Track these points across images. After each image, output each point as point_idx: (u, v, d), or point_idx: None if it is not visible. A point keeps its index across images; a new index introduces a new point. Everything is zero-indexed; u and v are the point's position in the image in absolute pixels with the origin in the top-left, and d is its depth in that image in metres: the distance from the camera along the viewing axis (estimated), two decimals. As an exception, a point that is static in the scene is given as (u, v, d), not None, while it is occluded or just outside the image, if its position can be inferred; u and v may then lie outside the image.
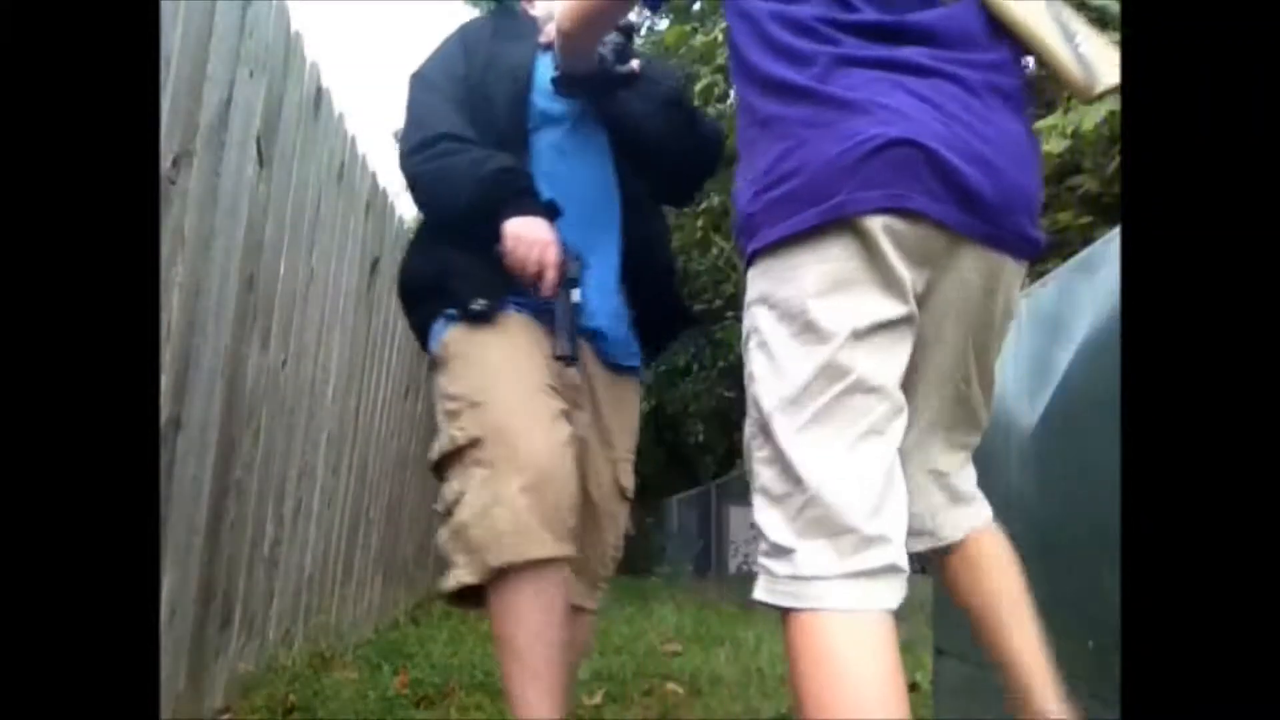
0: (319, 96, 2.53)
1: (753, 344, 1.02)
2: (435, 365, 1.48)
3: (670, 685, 2.79)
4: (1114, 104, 2.52)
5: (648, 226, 1.57)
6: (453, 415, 1.37)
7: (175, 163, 1.64)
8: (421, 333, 1.54)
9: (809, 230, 0.95)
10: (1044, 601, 1.23)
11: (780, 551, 0.94)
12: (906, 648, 3.82)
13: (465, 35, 1.61)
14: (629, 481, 1.60)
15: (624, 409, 1.60)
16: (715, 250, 8.09)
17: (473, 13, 10.79)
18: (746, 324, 1.04)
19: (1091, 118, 2.59)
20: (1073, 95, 1.03)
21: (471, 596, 1.30)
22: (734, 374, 14.46)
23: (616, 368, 1.58)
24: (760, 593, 0.97)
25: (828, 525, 0.92)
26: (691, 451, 17.33)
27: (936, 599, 1.76)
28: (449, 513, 1.33)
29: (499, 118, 1.50)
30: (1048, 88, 4.24)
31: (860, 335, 0.94)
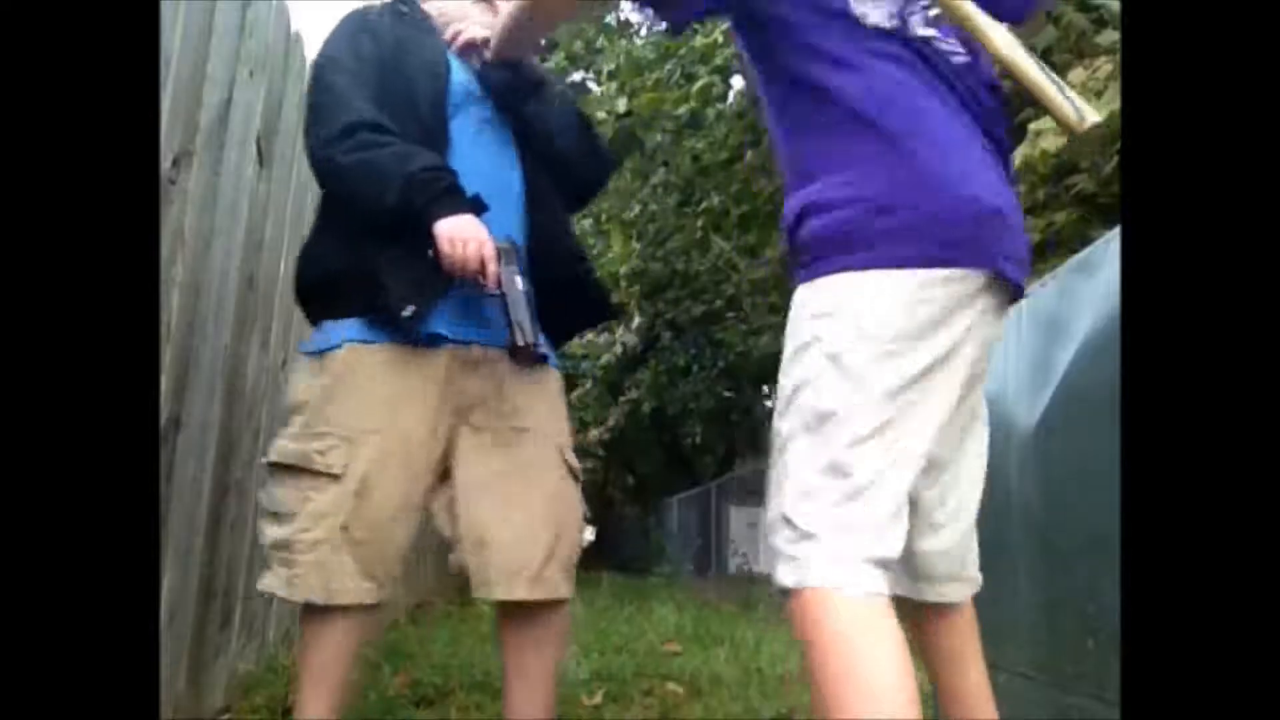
0: (319, 96, 2.52)
1: (820, 351, 1.07)
2: (308, 369, 1.44)
3: (670, 685, 2.79)
4: (1110, 106, 2.53)
5: (551, 219, 1.60)
6: (318, 435, 1.39)
7: (175, 163, 1.64)
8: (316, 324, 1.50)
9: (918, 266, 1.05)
10: (1044, 601, 1.22)
11: (808, 537, 1.02)
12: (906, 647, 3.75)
13: (366, 17, 1.56)
14: (575, 462, 1.61)
15: (548, 396, 1.58)
16: (715, 251, 8.09)
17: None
18: (816, 328, 1.08)
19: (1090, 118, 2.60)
20: (1068, 131, 1.15)
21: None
22: (734, 374, 14.46)
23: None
24: (785, 577, 1.04)
25: (861, 518, 1.02)
26: (691, 451, 17.34)
27: (936, 599, 1.76)
28: (275, 516, 1.39)
29: (419, 109, 1.48)
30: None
31: (932, 371, 1.04)
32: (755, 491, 12.65)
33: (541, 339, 1.45)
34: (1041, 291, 1.33)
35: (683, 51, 4.55)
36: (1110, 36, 3.19)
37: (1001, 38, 1.14)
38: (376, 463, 1.39)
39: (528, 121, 1.57)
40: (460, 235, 1.38)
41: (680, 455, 17.31)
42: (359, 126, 1.41)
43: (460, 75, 1.55)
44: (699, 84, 4.45)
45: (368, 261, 1.41)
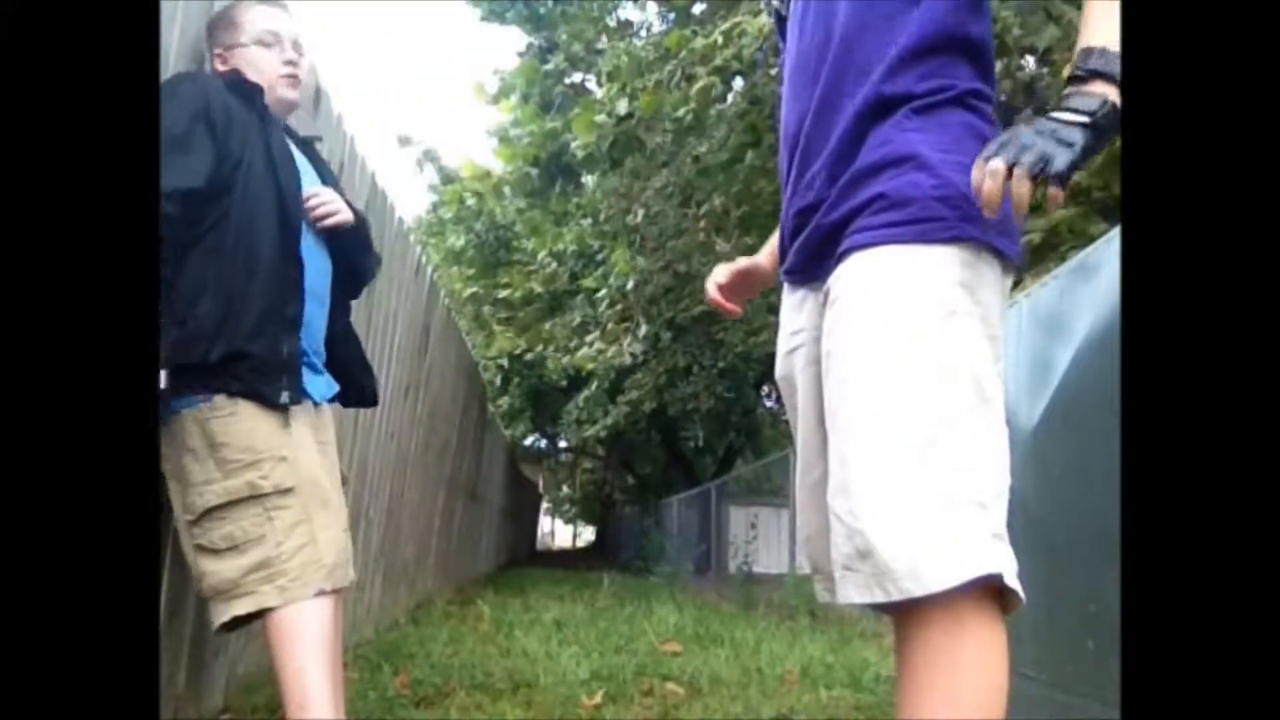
0: (318, 96, 2.52)
1: (977, 329, 1.07)
2: (194, 420, 1.53)
3: (670, 685, 2.79)
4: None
5: (343, 311, 1.88)
6: (249, 465, 1.52)
7: (175, 163, 1.63)
8: (181, 376, 1.53)
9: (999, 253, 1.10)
10: (1044, 601, 1.22)
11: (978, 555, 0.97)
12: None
13: (207, 93, 1.59)
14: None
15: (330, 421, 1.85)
16: (716, 253, 8.09)
17: (474, 13, 10.79)
18: (960, 300, 1.06)
19: None
20: None
21: (242, 620, 1.53)
22: (734, 374, 14.45)
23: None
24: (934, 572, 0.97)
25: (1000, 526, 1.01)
26: (691, 452, 17.33)
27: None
28: (235, 548, 1.51)
29: (288, 214, 1.63)
30: (1048, 88, 4.26)
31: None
32: (755, 491, 12.65)
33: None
34: (1041, 291, 1.33)
35: (683, 53, 4.55)
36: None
37: None
38: (314, 465, 1.59)
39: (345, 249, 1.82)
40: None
41: (680, 455, 17.31)
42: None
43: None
44: (699, 85, 4.45)
45: (242, 338, 1.54)
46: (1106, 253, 1.29)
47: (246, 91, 1.66)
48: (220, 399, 1.53)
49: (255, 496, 1.52)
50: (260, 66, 1.70)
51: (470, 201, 13.66)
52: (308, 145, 1.85)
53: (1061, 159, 0.95)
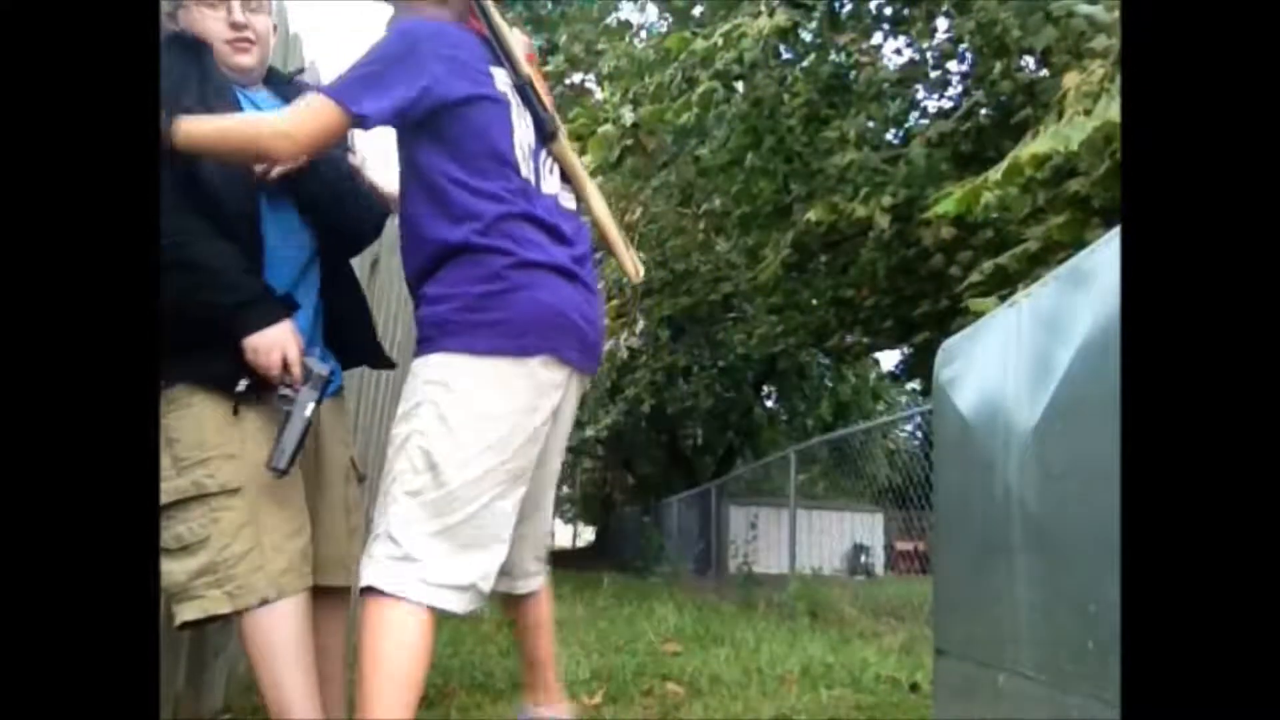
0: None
1: (431, 415, 1.44)
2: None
3: (670, 685, 2.79)
4: (1103, 118, 2.52)
5: (335, 271, 1.74)
6: (199, 463, 1.45)
7: (175, 163, 1.63)
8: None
9: (508, 353, 1.45)
10: (1044, 601, 1.22)
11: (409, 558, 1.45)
12: (906, 648, 3.81)
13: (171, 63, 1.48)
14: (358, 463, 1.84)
15: (343, 415, 1.81)
16: (715, 251, 8.09)
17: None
18: (420, 395, 1.47)
19: (1079, 134, 2.60)
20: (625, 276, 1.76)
21: (197, 623, 1.49)
22: (734, 374, 14.46)
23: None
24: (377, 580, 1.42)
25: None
26: (691, 451, 17.33)
27: (936, 599, 1.76)
28: (185, 549, 1.45)
29: (235, 197, 1.51)
30: (1049, 89, 4.25)
31: (526, 432, 1.47)
32: (755, 491, 12.66)
33: (294, 470, 1.53)
34: (1041, 291, 1.33)
35: (683, 55, 4.55)
36: (1104, 42, 3.19)
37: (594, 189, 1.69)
38: (262, 468, 1.48)
39: (311, 196, 1.65)
40: (263, 347, 1.47)
41: (680, 455, 17.31)
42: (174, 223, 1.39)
43: None
44: (700, 89, 4.45)
45: (210, 326, 1.46)
46: (1107, 253, 1.29)
47: (186, 44, 1.53)
48: (179, 389, 1.46)
49: (201, 496, 1.44)
50: (205, 28, 1.57)
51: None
52: (288, 92, 1.67)
53: None
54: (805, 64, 5.76)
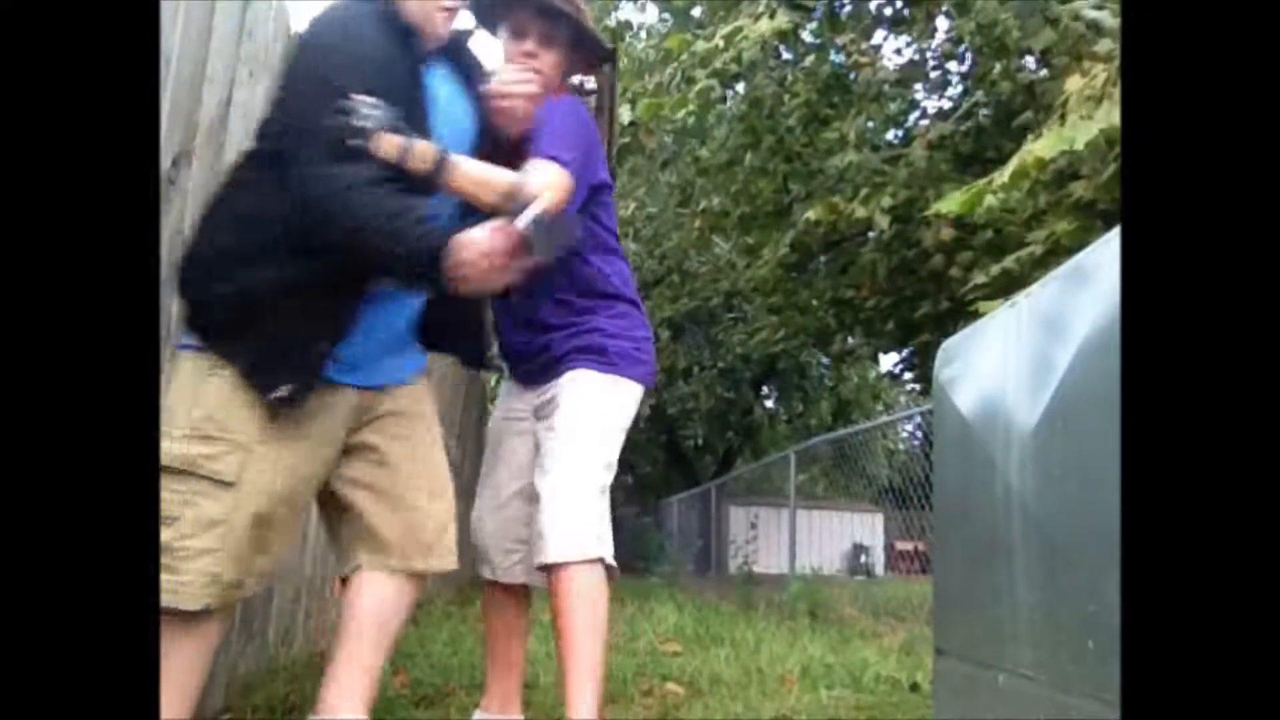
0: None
1: (606, 421, 1.83)
2: (194, 365, 1.40)
3: (670, 685, 2.79)
4: (1107, 121, 2.52)
5: None
6: (204, 439, 1.36)
7: (175, 163, 1.64)
8: (194, 318, 1.42)
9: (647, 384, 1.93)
10: (1044, 601, 1.22)
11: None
12: (906, 648, 3.81)
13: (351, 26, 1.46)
14: None
15: (428, 396, 1.76)
16: (715, 250, 8.08)
17: (470, 13, 10.76)
18: (597, 403, 1.84)
19: (1084, 135, 2.59)
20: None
21: None
22: (734, 374, 14.46)
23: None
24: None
25: None
26: (691, 451, 17.33)
27: (936, 599, 1.76)
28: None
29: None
30: (1049, 90, 4.26)
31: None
32: (755, 491, 12.66)
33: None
34: (1041, 291, 1.33)
35: (684, 56, 4.55)
36: (1106, 45, 3.19)
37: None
38: (269, 473, 1.39)
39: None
40: (482, 245, 1.38)
41: (680, 455, 17.31)
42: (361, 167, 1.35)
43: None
44: (698, 87, 4.44)
45: (262, 315, 1.38)
46: (1106, 253, 1.29)
47: (395, 24, 1.49)
48: (221, 360, 1.38)
49: (190, 474, 1.35)
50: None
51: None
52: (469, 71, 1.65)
53: None
54: (805, 64, 5.76)
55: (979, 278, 3.81)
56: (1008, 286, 3.50)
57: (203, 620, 1.38)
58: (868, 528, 15.62)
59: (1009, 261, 3.64)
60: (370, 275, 1.46)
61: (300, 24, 2.21)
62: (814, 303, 6.85)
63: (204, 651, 1.40)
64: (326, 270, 1.39)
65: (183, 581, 1.34)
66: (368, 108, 1.37)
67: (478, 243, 1.39)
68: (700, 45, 4.53)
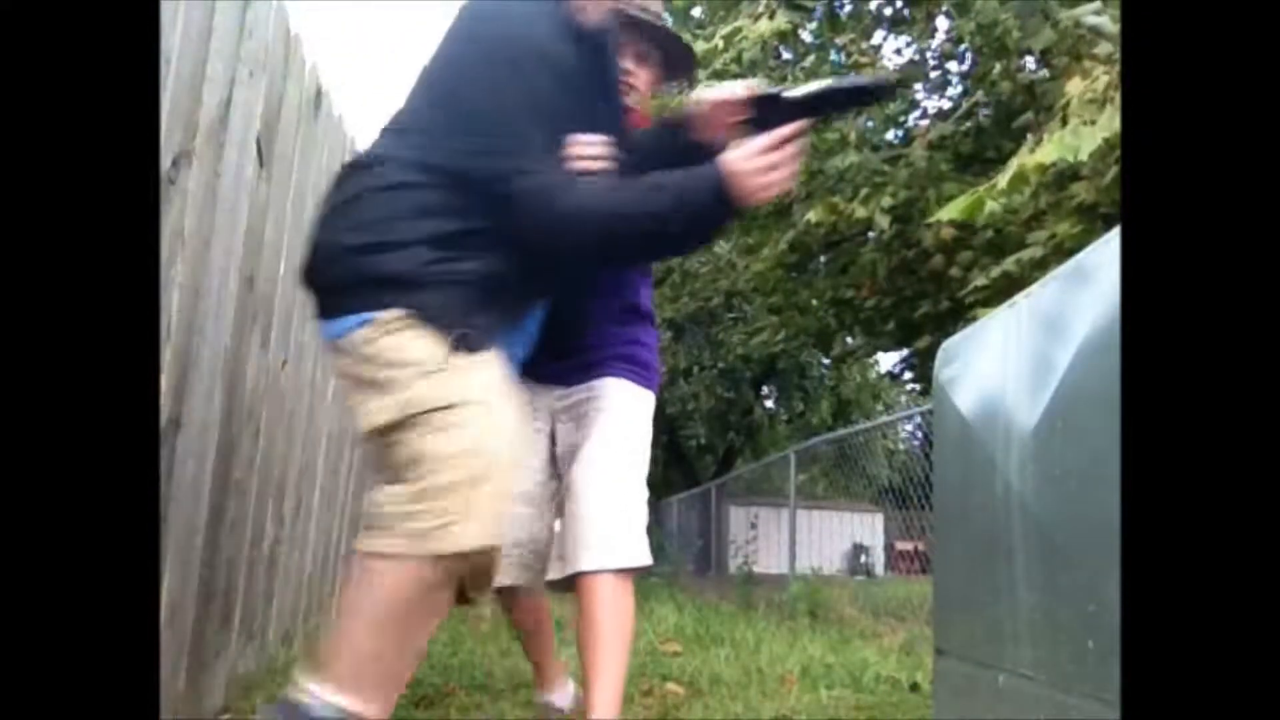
0: (319, 97, 2.53)
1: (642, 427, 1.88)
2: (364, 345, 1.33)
3: (670, 685, 2.79)
4: (1109, 129, 2.52)
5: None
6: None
7: (175, 163, 1.64)
8: (331, 310, 1.39)
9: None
10: (1044, 601, 1.22)
11: None
12: (906, 648, 3.80)
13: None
14: None
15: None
16: (715, 250, 8.08)
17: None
18: (632, 412, 1.88)
19: (1089, 144, 2.60)
20: None
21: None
22: (734, 374, 14.47)
23: None
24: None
25: None
26: (691, 451, 17.34)
27: (936, 599, 1.76)
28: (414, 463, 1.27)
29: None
30: (1049, 90, 4.25)
31: None
32: (755, 491, 12.65)
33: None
34: (1041, 291, 1.33)
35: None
36: (1107, 49, 3.19)
37: None
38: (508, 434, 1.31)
39: None
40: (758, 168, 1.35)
41: (680, 455, 17.32)
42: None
43: None
44: (698, 87, 4.46)
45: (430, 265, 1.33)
46: (1106, 253, 1.29)
47: (596, 43, 1.49)
48: (400, 313, 1.30)
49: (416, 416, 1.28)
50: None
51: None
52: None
53: None
54: (805, 64, 5.76)
55: (979, 279, 3.81)
56: (1008, 289, 3.50)
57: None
58: (868, 528, 15.61)
59: (1009, 264, 3.64)
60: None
61: (300, 24, 2.20)
62: (814, 303, 6.85)
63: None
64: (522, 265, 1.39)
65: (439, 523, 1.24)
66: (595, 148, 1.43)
67: (747, 149, 1.36)
68: (700, 45, 4.54)
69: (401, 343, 1.31)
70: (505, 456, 1.30)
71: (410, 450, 1.26)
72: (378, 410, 1.31)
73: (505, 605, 2.01)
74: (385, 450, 1.30)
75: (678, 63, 1.88)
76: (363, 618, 1.27)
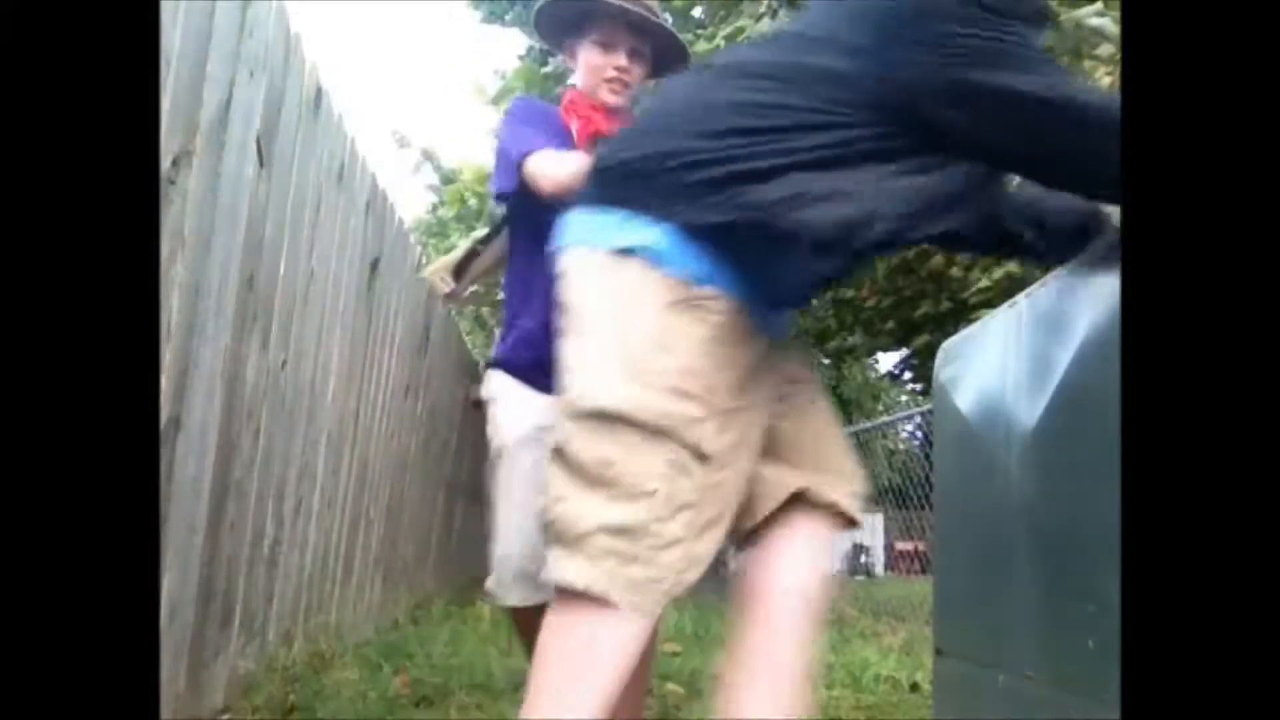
0: (319, 96, 2.53)
1: None
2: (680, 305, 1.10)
3: (670, 685, 2.79)
4: None
5: None
6: (683, 395, 1.07)
7: (175, 163, 1.64)
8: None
9: None
10: (1044, 601, 1.22)
11: None
12: (906, 648, 3.80)
13: None
14: None
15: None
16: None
17: (474, 14, 10.76)
18: None
19: None
20: None
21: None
22: (734, 374, 14.41)
23: None
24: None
25: None
26: (691, 452, 17.29)
27: (936, 599, 1.76)
28: (606, 484, 1.06)
29: None
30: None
31: None
32: (755, 492, 12.62)
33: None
34: (1041, 291, 1.33)
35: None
36: (1109, 50, 3.19)
37: None
38: (735, 448, 1.12)
39: None
40: None
41: (680, 456, 17.26)
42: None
43: None
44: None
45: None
46: (1106, 253, 1.29)
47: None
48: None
49: (668, 434, 1.07)
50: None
51: (472, 202, 13.65)
52: None
53: None
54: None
55: (982, 280, 3.81)
56: (1011, 290, 3.51)
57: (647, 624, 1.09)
58: (868, 528, 15.58)
59: (1012, 264, 3.64)
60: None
61: (300, 24, 2.20)
62: (814, 302, 6.85)
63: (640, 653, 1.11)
64: None
65: (652, 578, 1.05)
66: None
67: None
68: (701, 45, 4.53)
69: None
70: None
71: None
72: None
73: (519, 623, 1.74)
74: None
75: (673, 57, 1.86)
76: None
